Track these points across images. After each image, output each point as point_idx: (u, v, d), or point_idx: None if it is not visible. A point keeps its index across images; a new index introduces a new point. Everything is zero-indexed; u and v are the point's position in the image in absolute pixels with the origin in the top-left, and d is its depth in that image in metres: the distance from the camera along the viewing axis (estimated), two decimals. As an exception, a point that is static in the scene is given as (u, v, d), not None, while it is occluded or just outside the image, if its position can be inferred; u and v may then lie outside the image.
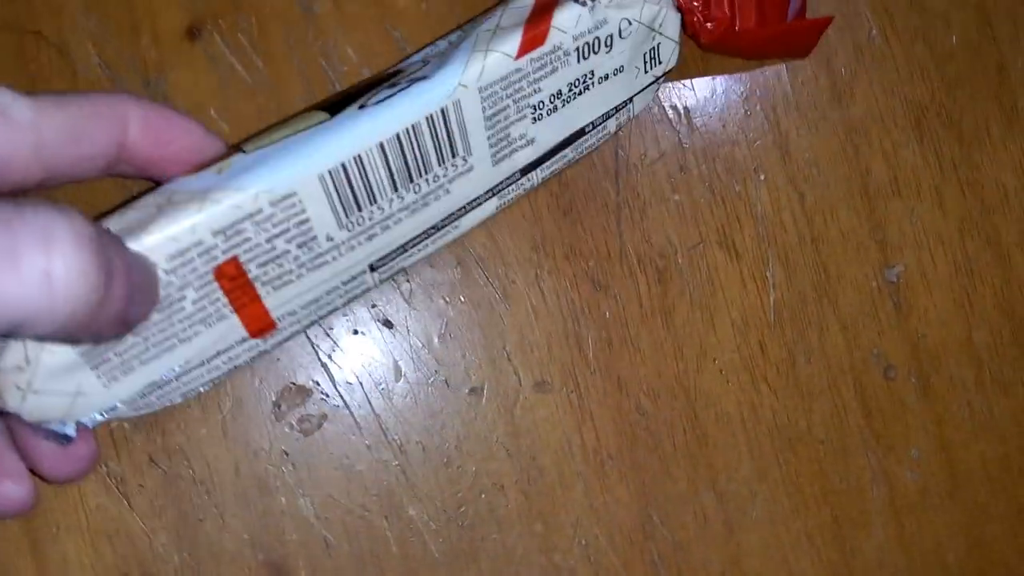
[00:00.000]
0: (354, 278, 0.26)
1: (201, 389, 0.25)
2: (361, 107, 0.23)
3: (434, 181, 0.25)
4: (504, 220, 0.29)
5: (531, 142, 0.26)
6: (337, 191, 0.23)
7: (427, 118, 0.24)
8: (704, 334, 0.30)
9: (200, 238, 0.22)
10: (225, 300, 0.23)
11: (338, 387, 0.28)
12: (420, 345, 0.29)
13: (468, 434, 0.29)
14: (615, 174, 0.30)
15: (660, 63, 0.28)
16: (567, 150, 0.28)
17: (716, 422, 0.30)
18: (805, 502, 0.31)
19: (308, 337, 0.28)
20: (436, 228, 0.26)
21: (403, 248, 0.26)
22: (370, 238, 0.25)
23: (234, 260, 0.23)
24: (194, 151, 0.23)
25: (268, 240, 0.23)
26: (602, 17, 0.25)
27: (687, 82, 0.31)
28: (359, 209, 0.24)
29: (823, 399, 0.31)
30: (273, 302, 0.24)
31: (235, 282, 0.23)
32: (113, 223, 0.21)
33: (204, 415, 0.27)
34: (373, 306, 0.28)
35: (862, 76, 0.32)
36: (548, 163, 0.28)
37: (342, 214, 0.24)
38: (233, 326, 0.24)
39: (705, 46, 0.29)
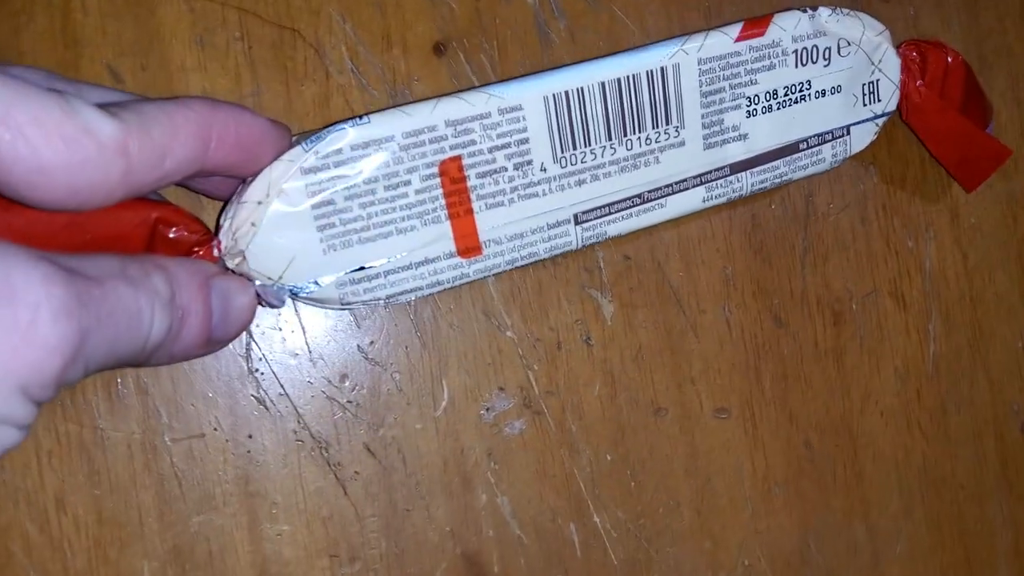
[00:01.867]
0: (559, 224, 0.27)
1: (403, 299, 0.26)
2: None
3: (646, 143, 0.27)
4: (700, 254, 0.31)
5: (743, 137, 0.28)
6: (557, 118, 0.26)
7: (647, 72, 0.26)
8: (869, 377, 0.32)
9: (434, 123, 0.25)
10: (443, 202, 0.25)
11: (540, 396, 0.30)
12: (615, 363, 0.30)
13: (651, 451, 0.31)
14: (804, 220, 0.32)
15: (879, 100, 0.30)
16: (780, 163, 0.29)
17: (873, 461, 0.32)
18: (943, 541, 0.33)
19: (516, 348, 0.30)
20: (642, 199, 0.28)
21: (608, 208, 0.27)
22: (580, 183, 0.27)
23: (458, 160, 0.25)
24: (271, 148, 0.23)
25: (490, 150, 0.25)
26: (821, 28, 0.28)
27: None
28: (574, 146, 0.26)
29: (967, 447, 0.33)
30: (483, 221, 0.26)
31: (455, 186, 0.25)
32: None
33: (420, 413, 0.29)
34: (577, 321, 0.30)
35: (1030, 151, 0.34)
36: (759, 169, 0.29)
37: (558, 146, 0.26)
38: (444, 234, 0.26)
39: (908, 110, 0.30)
